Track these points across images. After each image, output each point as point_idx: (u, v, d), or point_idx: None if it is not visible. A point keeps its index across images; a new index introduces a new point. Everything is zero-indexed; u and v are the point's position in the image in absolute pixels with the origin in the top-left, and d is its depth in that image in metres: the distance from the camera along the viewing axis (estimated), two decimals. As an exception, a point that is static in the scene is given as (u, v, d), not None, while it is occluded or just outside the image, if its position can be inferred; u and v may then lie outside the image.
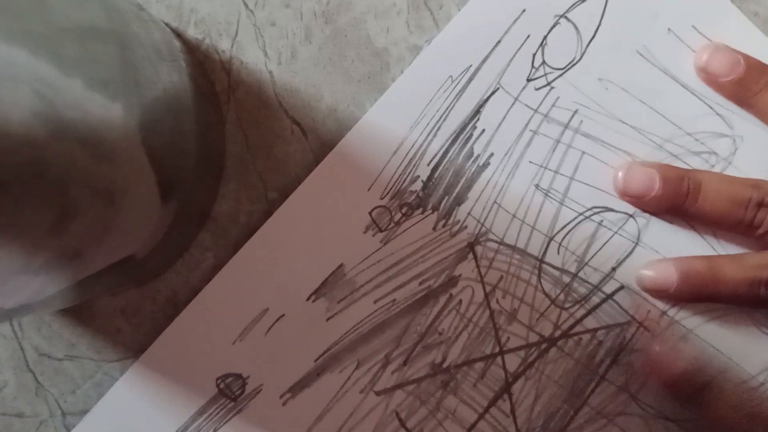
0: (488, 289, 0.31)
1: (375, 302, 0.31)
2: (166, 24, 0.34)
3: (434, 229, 0.31)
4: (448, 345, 0.31)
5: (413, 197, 0.31)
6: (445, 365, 0.31)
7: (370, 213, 0.31)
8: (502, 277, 0.31)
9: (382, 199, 0.31)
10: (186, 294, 0.34)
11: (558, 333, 0.31)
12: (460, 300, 0.31)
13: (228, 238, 0.34)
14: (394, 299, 0.31)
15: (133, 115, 0.25)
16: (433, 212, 0.31)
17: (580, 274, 0.31)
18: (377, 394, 0.31)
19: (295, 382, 0.32)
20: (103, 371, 0.35)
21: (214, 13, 0.34)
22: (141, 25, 0.29)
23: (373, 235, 0.31)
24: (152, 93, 0.27)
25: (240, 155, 0.34)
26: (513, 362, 0.31)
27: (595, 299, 0.31)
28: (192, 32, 0.34)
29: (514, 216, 0.31)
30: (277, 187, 0.33)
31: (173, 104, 0.29)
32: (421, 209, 0.31)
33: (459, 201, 0.31)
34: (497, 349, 0.31)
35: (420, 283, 0.31)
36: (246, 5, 0.34)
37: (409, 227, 0.31)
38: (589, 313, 0.31)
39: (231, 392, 0.31)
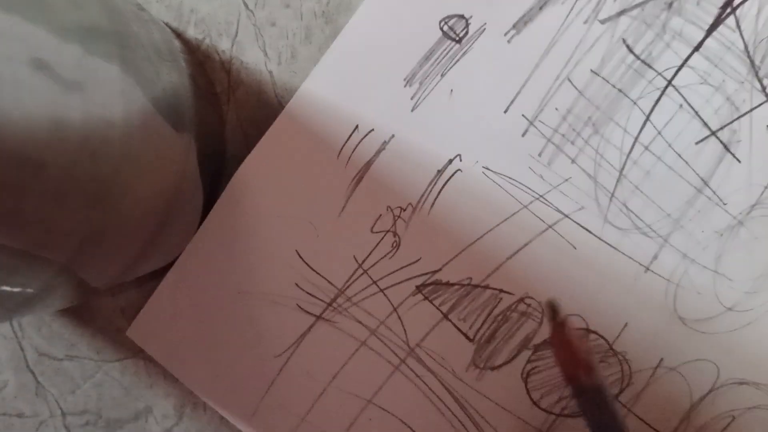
0: None
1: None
2: (166, 24, 0.34)
3: None
4: None
5: None
6: None
7: None
8: None
9: None
10: (186, 294, 0.34)
11: None
12: None
13: (228, 238, 0.34)
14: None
15: (133, 116, 0.25)
16: None
17: None
18: (602, 22, 0.30)
19: (518, 17, 0.31)
20: (103, 371, 0.35)
21: (214, 13, 0.34)
22: (141, 25, 0.29)
23: None
24: (152, 93, 0.27)
25: (240, 155, 0.34)
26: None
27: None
28: (192, 32, 0.34)
29: None
30: (277, 187, 0.33)
31: (173, 104, 0.29)
32: None
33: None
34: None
35: None
36: (246, 5, 0.34)
37: None
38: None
39: (455, 33, 0.31)
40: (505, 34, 0.31)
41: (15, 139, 0.19)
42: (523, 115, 0.31)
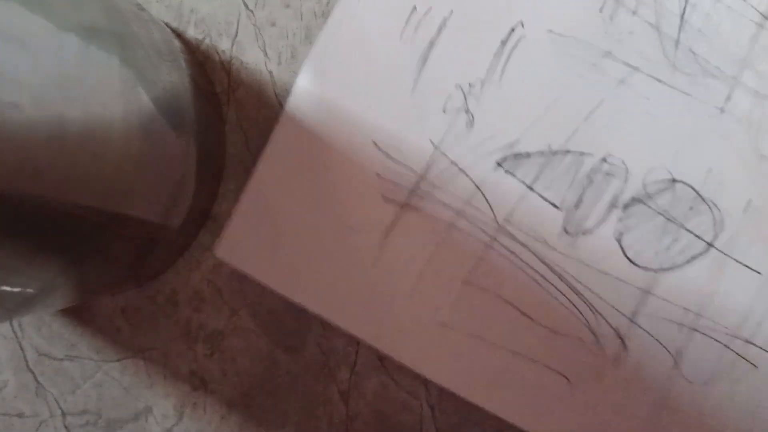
0: None
1: None
2: (166, 24, 0.34)
3: None
4: None
5: None
6: None
7: None
8: None
9: None
10: (186, 294, 0.34)
11: None
12: None
13: (228, 238, 0.34)
14: None
15: (133, 116, 0.25)
16: None
17: None
18: None
19: None
20: (103, 371, 0.35)
21: (214, 13, 0.34)
22: (141, 25, 0.29)
23: None
24: (152, 93, 0.27)
25: (240, 155, 0.34)
26: None
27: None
28: (192, 32, 0.34)
29: None
30: (277, 187, 0.33)
31: (173, 104, 0.29)
32: None
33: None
34: None
35: None
36: (246, 5, 0.34)
37: None
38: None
39: None
40: None
41: (15, 140, 0.19)
42: None
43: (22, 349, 0.35)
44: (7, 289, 0.23)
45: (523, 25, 0.31)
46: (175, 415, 0.35)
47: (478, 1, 0.32)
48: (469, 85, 0.31)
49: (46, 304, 0.27)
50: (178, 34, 0.34)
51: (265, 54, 0.34)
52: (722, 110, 0.31)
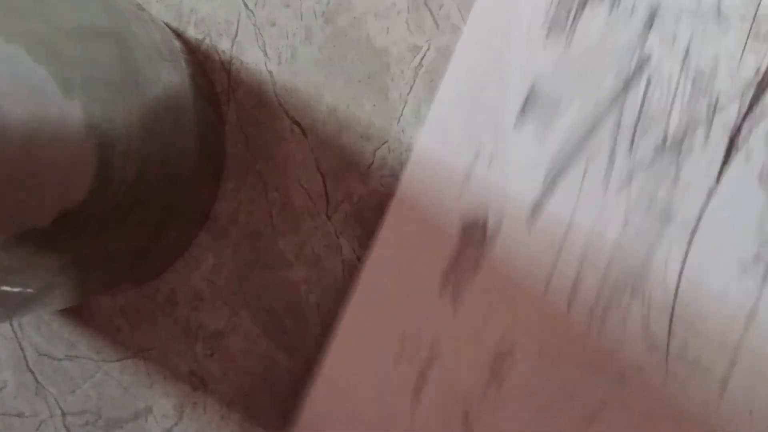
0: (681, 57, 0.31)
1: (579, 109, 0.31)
2: (166, 24, 0.34)
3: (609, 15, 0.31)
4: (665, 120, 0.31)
5: None
6: (668, 143, 0.31)
7: None
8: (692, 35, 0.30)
9: None
10: (185, 293, 0.34)
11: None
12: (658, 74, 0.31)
13: (228, 238, 0.34)
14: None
15: (133, 115, 0.25)
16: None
17: None
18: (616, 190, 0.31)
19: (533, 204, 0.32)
20: (103, 371, 0.35)
21: (214, 13, 0.34)
22: (141, 25, 0.29)
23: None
24: (152, 93, 0.27)
25: (240, 155, 0.34)
26: (730, 117, 0.30)
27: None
28: (192, 32, 0.34)
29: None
30: (277, 187, 0.33)
31: (173, 104, 0.29)
32: None
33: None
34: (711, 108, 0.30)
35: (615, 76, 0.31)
36: (246, 5, 0.34)
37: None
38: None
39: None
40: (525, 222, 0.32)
41: (16, 140, 0.19)
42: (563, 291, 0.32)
43: (21, 348, 0.35)
44: (7, 289, 0.23)
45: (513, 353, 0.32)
46: (174, 415, 0.35)
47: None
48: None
49: (45, 303, 0.27)
50: (178, 34, 0.34)
51: (265, 54, 0.34)
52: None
